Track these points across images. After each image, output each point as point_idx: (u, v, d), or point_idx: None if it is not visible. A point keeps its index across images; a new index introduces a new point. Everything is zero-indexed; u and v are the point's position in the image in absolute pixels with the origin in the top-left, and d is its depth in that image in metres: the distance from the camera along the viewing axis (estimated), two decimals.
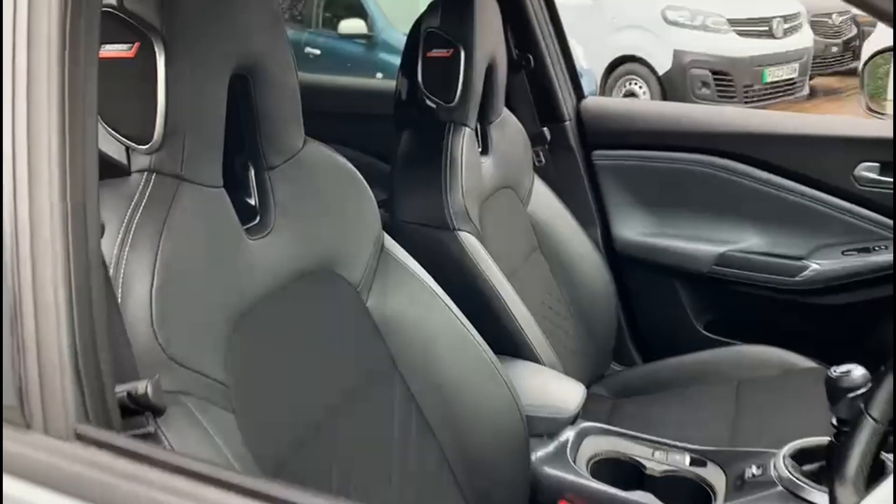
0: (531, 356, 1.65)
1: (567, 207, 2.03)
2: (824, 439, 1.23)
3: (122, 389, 0.76)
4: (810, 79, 7.25)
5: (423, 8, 1.73)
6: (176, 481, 0.68)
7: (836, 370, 1.14)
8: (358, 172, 1.22)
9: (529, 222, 1.94)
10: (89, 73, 0.73)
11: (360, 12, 6.10)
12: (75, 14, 0.71)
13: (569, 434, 1.45)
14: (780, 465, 1.26)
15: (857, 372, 1.13)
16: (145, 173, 0.92)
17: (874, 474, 0.99)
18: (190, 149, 0.93)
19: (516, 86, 2.15)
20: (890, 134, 1.92)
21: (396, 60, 1.87)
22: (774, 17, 6.78)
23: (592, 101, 2.29)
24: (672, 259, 2.12)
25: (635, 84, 6.67)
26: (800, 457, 1.27)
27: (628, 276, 2.20)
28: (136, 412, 0.77)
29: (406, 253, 1.29)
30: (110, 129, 0.92)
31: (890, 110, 1.93)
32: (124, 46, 0.89)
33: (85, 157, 0.73)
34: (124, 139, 0.92)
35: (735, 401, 1.77)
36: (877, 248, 1.92)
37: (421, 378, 1.23)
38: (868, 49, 6.56)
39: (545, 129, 2.18)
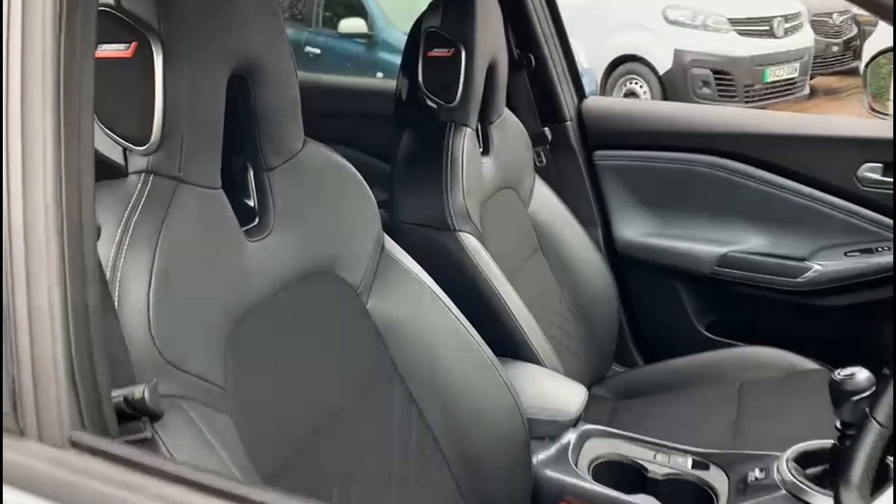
0: (532, 358, 1.64)
1: (568, 208, 2.02)
2: (828, 442, 1.22)
3: (118, 394, 0.75)
4: (811, 78, 7.25)
5: (423, 7, 1.72)
6: (172, 490, 0.66)
7: (841, 373, 1.13)
8: (358, 173, 1.21)
9: (530, 223, 1.93)
10: (85, 66, 0.71)
11: (361, 11, 6.09)
12: (71, 5, 0.69)
13: (570, 437, 1.44)
14: (784, 468, 1.25)
15: (862, 375, 1.12)
16: (143, 174, 0.91)
17: (879, 479, 0.98)
18: (188, 150, 0.92)
19: (517, 86, 2.14)
20: None
21: (397, 60, 1.86)
22: (775, 17, 6.78)
23: (594, 101, 2.28)
24: (674, 260, 2.12)
25: (636, 83, 6.67)
26: (803, 460, 1.26)
27: (630, 276, 2.19)
28: (133, 417, 0.76)
29: (406, 254, 1.28)
30: (107, 130, 0.90)
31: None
32: (121, 46, 0.88)
33: (81, 155, 0.71)
34: (121, 140, 0.91)
35: (737, 402, 1.77)
36: (879, 250, 1.91)
37: (421, 380, 1.23)
38: (868, 48, 6.57)
39: (546, 129, 2.17)
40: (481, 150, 1.81)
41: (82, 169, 0.71)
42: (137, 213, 0.88)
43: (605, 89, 6.67)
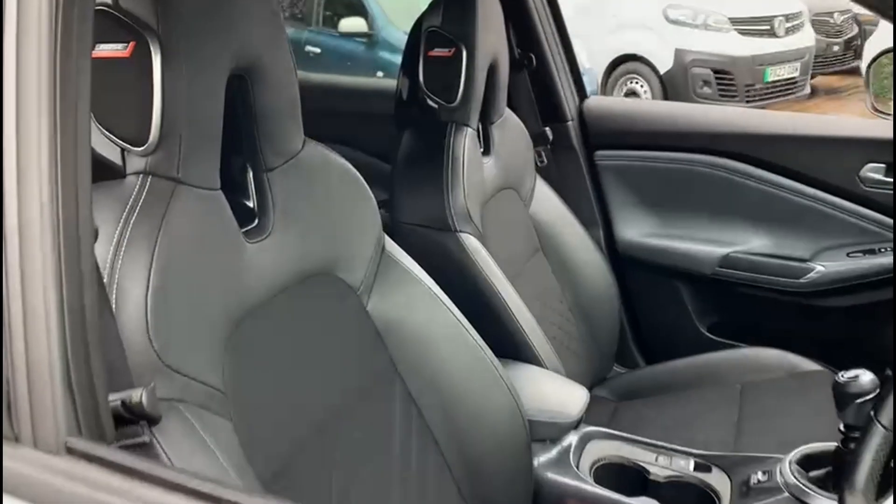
0: (533, 359, 1.63)
1: (569, 208, 2.01)
2: (831, 445, 1.21)
3: (115, 398, 0.74)
4: (811, 78, 7.25)
5: (423, 6, 1.72)
6: (170, 498, 0.65)
7: (844, 375, 1.12)
8: (358, 173, 1.21)
9: (531, 223, 1.93)
10: (82, 66, 0.70)
11: (361, 10, 6.09)
12: (68, 3, 0.68)
13: (571, 439, 1.43)
14: (787, 470, 1.24)
15: (866, 377, 1.11)
16: (141, 176, 0.90)
17: (884, 483, 0.97)
18: (186, 150, 0.91)
19: (518, 85, 2.14)
20: None
21: (397, 59, 1.86)
22: (776, 16, 6.77)
23: (595, 101, 2.28)
24: (675, 260, 2.11)
25: (636, 83, 6.66)
26: (806, 462, 1.26)
27: (631, 277, 2.18)
28: (131, 421, 0.75)
29: (407, 255, 1.28)
30: (105, 131, 0.90)
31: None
32: (119, 46, 0.87)
33: (77, 155, 0.70)
34: (119, 141, 0.90)
35: (738, 404, 1.76)
36: (882, 250, 1.90)
37: (421, 381, 1.22)
38: (869, 48, 6.57)
39: (547, 129, 2.17)
40: (482, 150, 1.80)
41: (79, 169, 0.70)
42: (135, 214, 0.87)
43: (605, 89, 6.67)
